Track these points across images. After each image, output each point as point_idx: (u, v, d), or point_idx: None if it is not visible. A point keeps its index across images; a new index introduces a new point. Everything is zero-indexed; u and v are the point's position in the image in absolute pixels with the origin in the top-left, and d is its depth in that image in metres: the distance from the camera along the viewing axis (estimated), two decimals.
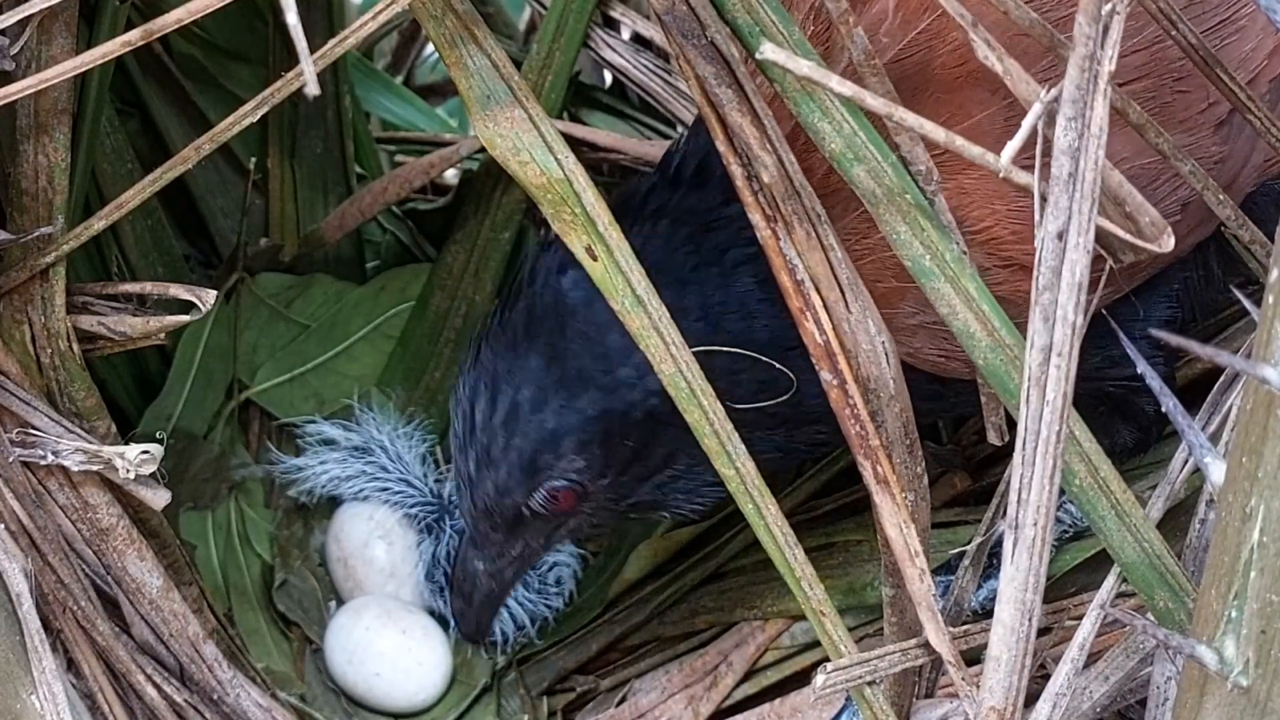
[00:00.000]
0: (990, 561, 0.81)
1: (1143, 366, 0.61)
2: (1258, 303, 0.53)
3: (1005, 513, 0.60)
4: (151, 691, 0.86)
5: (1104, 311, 0.72)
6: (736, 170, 0.69)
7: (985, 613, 0.77)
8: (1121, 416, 0.86)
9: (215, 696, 0.89)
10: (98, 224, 0.79)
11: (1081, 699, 0.71)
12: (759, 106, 0.68)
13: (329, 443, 1.11)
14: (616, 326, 0.76)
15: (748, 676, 1.00)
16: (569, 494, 0.85)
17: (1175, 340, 0.52)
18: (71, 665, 0.85)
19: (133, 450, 0.79)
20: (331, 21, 1.10)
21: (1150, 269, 0.76)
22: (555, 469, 0.84)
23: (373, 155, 1.25)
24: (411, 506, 1.10)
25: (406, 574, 1.10)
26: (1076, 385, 0.78)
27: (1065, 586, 0.86)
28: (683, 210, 0.82)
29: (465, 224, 1.12)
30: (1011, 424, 0.62)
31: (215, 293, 0.81)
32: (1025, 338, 0.58)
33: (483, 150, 1.06)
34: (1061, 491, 0.61)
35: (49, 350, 0.82)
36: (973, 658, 0.70)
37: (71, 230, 0.80)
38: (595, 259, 0.71)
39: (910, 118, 0.58)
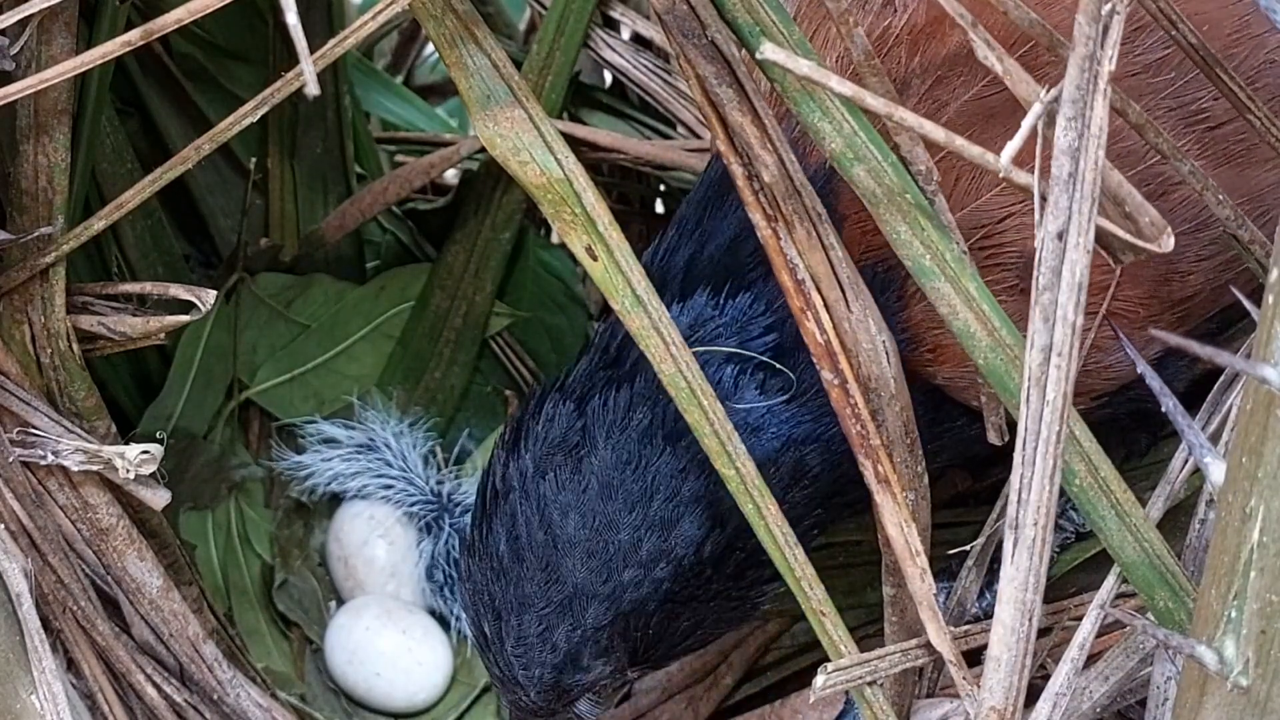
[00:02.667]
0: (993, 568, 0.81)
1: (1142, 367, 0.61)
2: (1257, 303, 0.53)
3: (1005, 514, 0.60)
4: (151, 691, 0.86)
5: (1109, 320, 0.72)
6: (737, 170, 0.69)
7: (988, 616, 0.77)
8: (1142, 425, 0.86)
9: (215, 696, 0.89)
10: (98, 224, 0.79)
11: (1081, 699, 0.71)
12: (759, 106, 0.68)
13: (330, 442, 1.11)
14: (612, 526, 0.75)
15: (748, 676, 1.00)
16: (607, 684, 0.81)
17: (1174, 340, 0.52)
18: (71, 665, 0.85)
19: (133, 450, 0.79)
20: (331, 21, 1.10)
21: (1211, 307, 0.77)
22: (584, 681, 0.79)
23: (373, 155, 1.25)
24: (412, 505, 1.10)
25: (407, 574, 1.10)
26: (1125, 406, 0.78)
27: (1065, 586, 0.86)
28: None
29: (465, 224, 1.12)
30: (1011, 424, 0.62)
31: (215, 293, 0.81)
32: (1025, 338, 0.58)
33: (483, 150, 1.06)
34: (1063, 494, 0.61)
35: (49, 350, 0.82)
36: (973, 658, 0.70)
37: (71, 230, 0.80)
38: (595, 259, 0.71)
39: (910, 118, 0.58)
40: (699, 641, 0.83)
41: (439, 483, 1.11)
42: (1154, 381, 0.59)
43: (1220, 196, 0.69)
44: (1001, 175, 0.56)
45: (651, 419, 0.77)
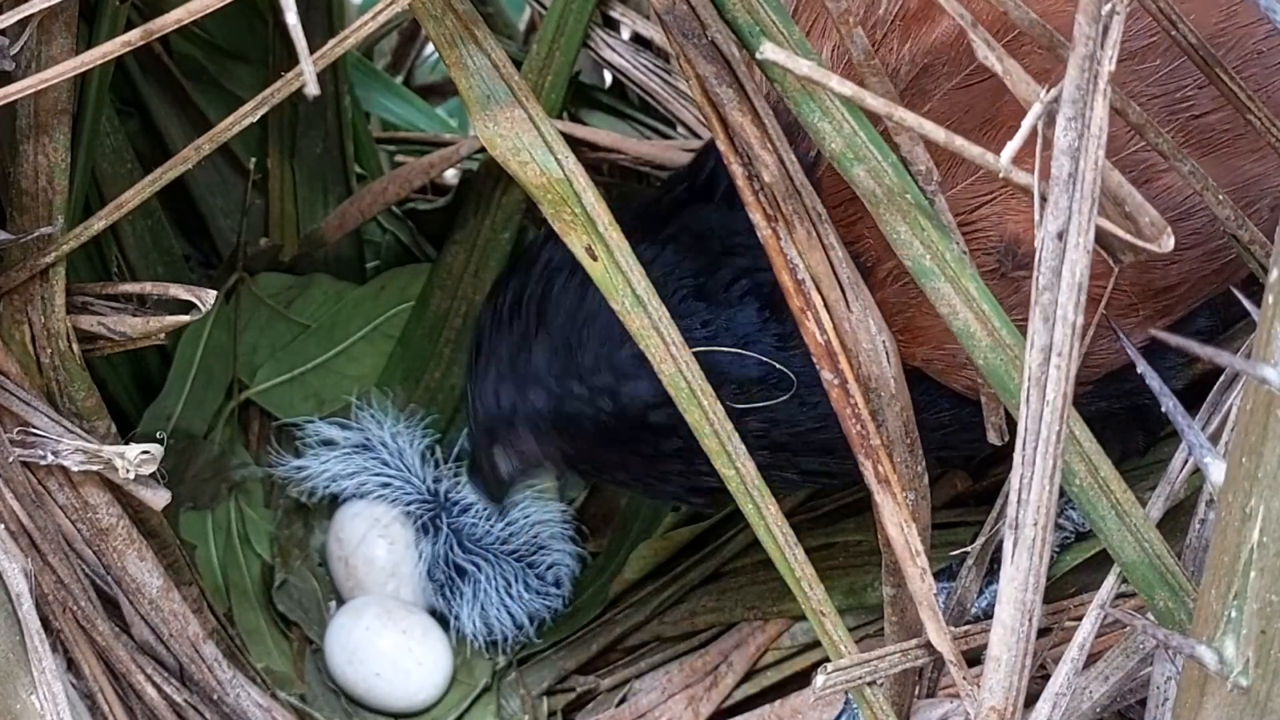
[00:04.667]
0: (992, 567, 0.81)
1: (1143, 367, 0.61)
2: (1258, 303, 0.53)
3: (1005, 514, 0.60)
4: (151, 691, 0.86)
5: (1109, 319, 0.72)
6: (737, 170, 0.69)
7: (987, 616, 0.77)
8: (1139, 422, 0.86)
9: (215, 696, 0.89)
10: (98, 224, 0.79)
11: (1081, 699, 0.71)
12: (759, 106, 0.68)
13: (329, 443, 1.11)
14: (582, 344, 0.81)
15: (748, 677, 1.00)
16: (533, 455, 0.89)
17: (1174, 340, 0.52)
18: (71, 665, 0.85)
19: (133, 450, 0.79)
20: (331, 21, 1.10)
21: (1195, 298, 0.77)
22: (511, 441, 0.89)
23: (373, 155, 1.25)
24: (410, 503, 1.10)
25: (407, 573, 1.10)
26: (1120, 400, 0.78)
27: (1065, 587, 0.86)
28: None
29: (465, 224, 1.12)
30: (1011, 424, 0.62)
31: (215, 293, 0.81)
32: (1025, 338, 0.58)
33: (483, 150, 1.06)
34: (1063, 494, 0.61)
35: (49, 350, 0.82)
36: (973, 658, 0.70)
37: (71, 230, 0.80)
38: (595, 259, 0.71)
39: (910, 118, 0.58)
40: (627, 483, 0.90)
41: (436, 480, 1.11)
42: (1153, 381, 0.59)
43: (1220, 197, 0.69)
44: (1001, 176, 0.56)
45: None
